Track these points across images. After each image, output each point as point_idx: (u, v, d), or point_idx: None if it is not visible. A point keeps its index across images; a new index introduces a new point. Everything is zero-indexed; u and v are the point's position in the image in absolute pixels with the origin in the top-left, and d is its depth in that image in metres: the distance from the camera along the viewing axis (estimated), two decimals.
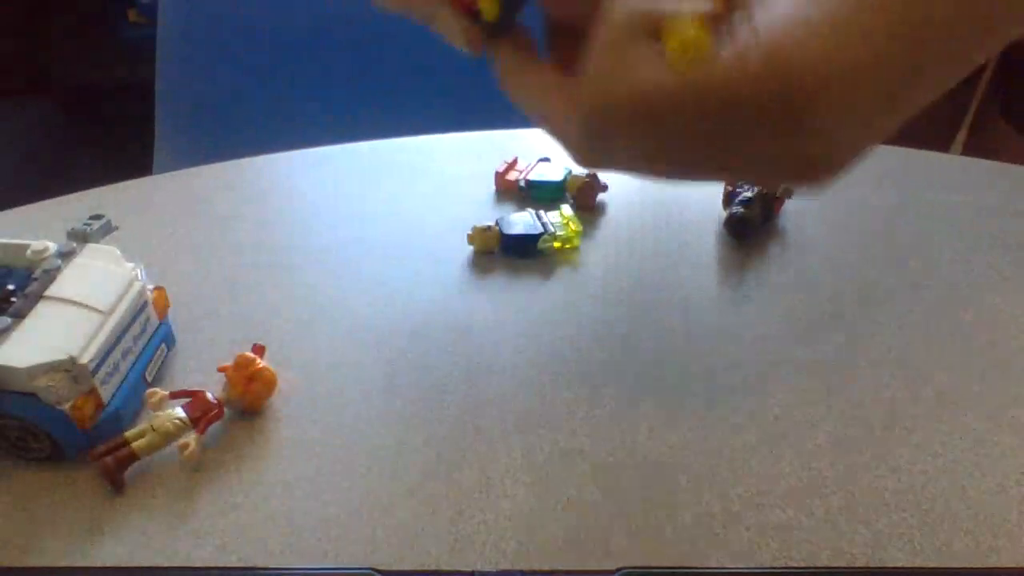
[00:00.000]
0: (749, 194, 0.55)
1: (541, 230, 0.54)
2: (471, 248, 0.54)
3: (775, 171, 0.24)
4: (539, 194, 0.59)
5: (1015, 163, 0.65)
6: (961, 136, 0.96)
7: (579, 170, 0.60)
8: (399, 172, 0.64)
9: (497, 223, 0.54)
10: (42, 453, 0.37)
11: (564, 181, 0.59)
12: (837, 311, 0.49)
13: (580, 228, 0.55)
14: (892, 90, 0.21)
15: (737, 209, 0.55)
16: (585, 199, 0.59)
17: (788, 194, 0.57)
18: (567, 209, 0.56)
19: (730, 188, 0.57)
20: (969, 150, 0.96)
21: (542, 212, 0.56)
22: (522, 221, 0.55)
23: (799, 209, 0.59)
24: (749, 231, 0.55)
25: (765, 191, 0.56)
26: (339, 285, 0.51)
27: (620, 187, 0.60)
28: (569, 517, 0.36)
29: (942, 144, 0.94)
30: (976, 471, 0.38)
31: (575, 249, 0.55)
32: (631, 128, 0.24)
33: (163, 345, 0.43)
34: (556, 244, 0.54)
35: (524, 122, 0.73)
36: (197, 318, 0.48)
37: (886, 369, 0.44)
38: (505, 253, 0.54)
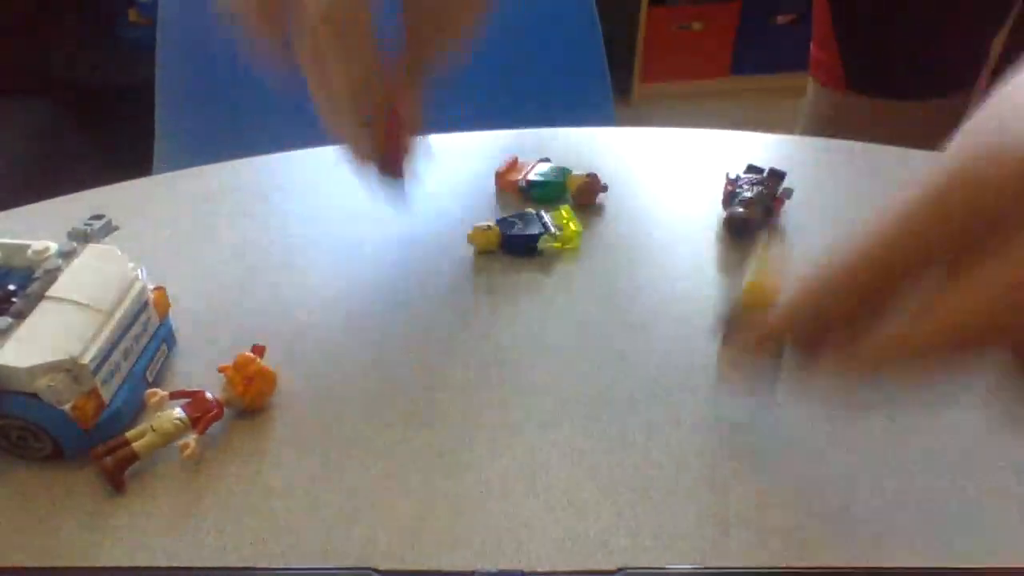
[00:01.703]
0: (749, 194, 0.56)
1: (541, 230, 0.54)
2: (472, 248, 0.54)
3: None
4: (540, 194, 0.59)
5: None
6: None
7: (579, 169, 0.60)
8: None
9: (497, 223, 0.54)
10: (42, 453, 0.37)
11: (565, 181, 0.59)
12: None
13: (580, 228, 0.55)
14: None
15: (738, 209, 0.55)
16: (585, 198, 0.59)
17: (788, 194, 0.57)
18: (568, 209, 0.56)
19: (730, 188, 0.57)
20: None
21: (543, 212, 0.56)
22: (523, 221, 0.55)
23: (798, 209, 0.59)
24: (750, 231, 0.55)
25: (765, 191, 0.56)
26: (339, 285, 0.51)
27: (620, 187, 0.60)
28: (569, 517, 0.36)
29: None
30: (976, 471, 0.38)
31: (575, 249, 0.55)
32: None
33: (164, 345, 0.43)
34: (556, 244, 0.54)
35: (523, 123, 0.73)
36: (197, 318, 0.48)
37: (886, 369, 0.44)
38: (506, 253, 0.54)
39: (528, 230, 0.54)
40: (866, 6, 0.87)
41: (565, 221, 0.55)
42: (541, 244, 0.54)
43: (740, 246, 0.55)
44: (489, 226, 0.54)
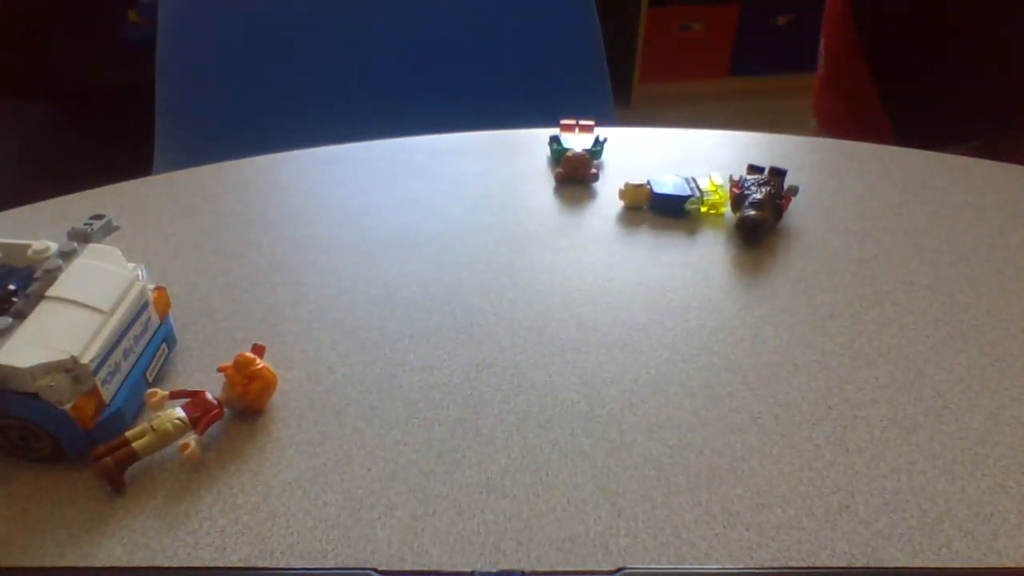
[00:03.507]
0: (759, 195, 0.55)
1: (690, 192, 0.58)
2: (471, 249, 0.54)
3: None
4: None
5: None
6: None
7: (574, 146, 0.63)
8: (400, 172, 0.64)
9: (648, 182, 0.58)
10: (43, 453, 0.37)
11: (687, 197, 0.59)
12: (837, 311, 0.49)
13: (727, 196, 0.58)
14: None
15: (750, 212, 0.55)
16: (573, 173, 0.61)
17: (794, 192, 0.57)
18: (717, 177, 0.59)
19: (736, 191, 0.57)
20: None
21: (693, 177, 0.60)
22: (672, 182, 0.59)
23: (800, 210, 0.59)
24: (762, 233, 0.55)
25: (773, 190, 0.56)
26: (339, 285, 0.51)
27: (620, 186, 0.60)
28: (569, 517, 0.36)
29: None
30: (976, 471, 0.38)
31: (720, 215, 0.58)
32: None
33: (164, 345, 0.43)
34: (703, 208, 0.58)
35: (524, 123, 0.73)
36: (197, 318, 0.48)
37: (886, 369, 0.44)
38: (654, 211, 0.59)
39: (678, 191, 0.58)
40: (910, 58, 0.87)
41: (714, 188, 0.58)
42: (688, 206, 0.57)
43: (747, 247, 0.55)
44: (641, 184, 0.58)
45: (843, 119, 0.95)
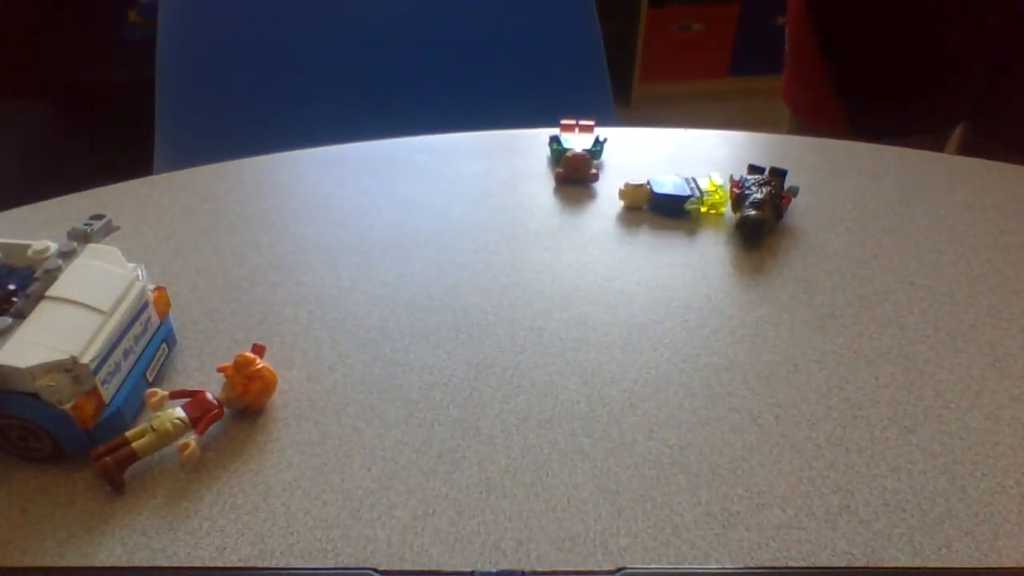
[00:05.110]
0: (759, 195, 0.55)
1: (690, 192, 0.57)
2: (471, 249, 0.54)
3: None
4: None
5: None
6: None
7: (574, 145, 0.63)
8: (400, 172, 0.64)
9: (648, 182, 0.58)
10: (43, 453, 0.37)
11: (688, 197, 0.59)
12: (837, 311, 0.49)
13: (727, 196, 0.58)
14: None
15: (750, 212, 0.55)
16: (573, 173, 0.62)
17: (794, 192, 0.57)
18: (717, 176, 0.59)
19: (736, 190, 0.57)
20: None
21: (693, 177, 0.60)
22: (671, 182, 0.59)
23: (800, 210, 0.59)
24: (762, 233, 0.55)
25: (773, 190, 0.56)
26: (339, 285, 0.51)
27: (619, 185, 0.60)
28: (569, 517, 0.36)
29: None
30: (976, 471, 0.38)
31: (720, 215, 0.58)
32: None
33: (164, 345, 0.43)
34: (703, 208, 0.58)
35: (524, 123, 0.73)
36: (197, 318, 0.48)
37: (886, 369, 0.44)
38: (653, 211, 0.59)
39: (678, 191, 0.57)
40: (867, 57, 0.87)
41: (714, 188, 0.58)
42: (688, 206, 0.57)
43: (747, 247, 0.55)
44: (640, 184, 0.58)
45: (806, 106, 0.96)
